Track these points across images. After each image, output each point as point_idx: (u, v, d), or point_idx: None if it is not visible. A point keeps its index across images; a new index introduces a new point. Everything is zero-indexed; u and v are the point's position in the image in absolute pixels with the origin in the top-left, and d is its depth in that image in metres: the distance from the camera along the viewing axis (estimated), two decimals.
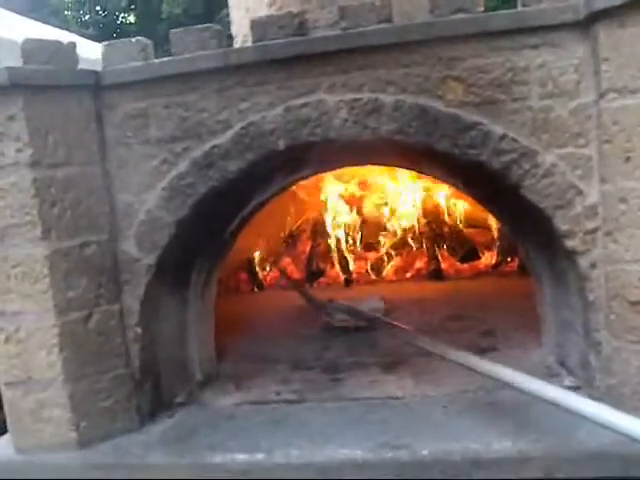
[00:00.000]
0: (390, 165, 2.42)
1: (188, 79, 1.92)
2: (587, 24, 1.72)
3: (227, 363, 2.65)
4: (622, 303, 1.77)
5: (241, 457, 1.84)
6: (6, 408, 2.04)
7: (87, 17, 12.37)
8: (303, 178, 2.30)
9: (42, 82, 1.83)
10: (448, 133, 1.85)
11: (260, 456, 1.83)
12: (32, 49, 1.83)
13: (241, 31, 2.42)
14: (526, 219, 2.02)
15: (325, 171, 2.48)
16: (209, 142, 1.94)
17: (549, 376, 2.12)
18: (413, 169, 2.26)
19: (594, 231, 1.82)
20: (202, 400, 2.29)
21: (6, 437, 2.11)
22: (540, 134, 1.82)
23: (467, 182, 2.16)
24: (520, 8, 1.79)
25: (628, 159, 1.70)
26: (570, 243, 1.84)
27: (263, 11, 2.43)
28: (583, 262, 1.84)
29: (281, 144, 1.91)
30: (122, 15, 12.93)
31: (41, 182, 1.86)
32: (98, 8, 12.58)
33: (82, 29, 11.01)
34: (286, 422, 2.02)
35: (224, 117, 1.93)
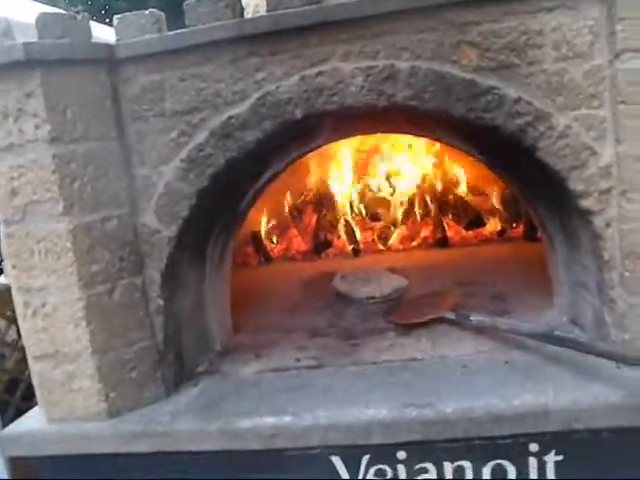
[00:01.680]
0: (404, 132, 2.44)
1: (203, 50, 1.92)
2: None
3: (243, 334, 2.70)
4: (636, 261, 1.83)
5: (269, 420, 1.90)
6: (35, 381, 2.08)
7: None
8: (316, 147, 2.32)
9: (58, 56, 1.82)
10: (463, 98, 1.86)
11: (288, 419, 1.89)
12: (46, 23, 1.83)
13: (252, 1, 2.41)
14: (540, 182, 2.05)
15: (338, 140, 2.50)
16: (226, 112, 1.95)
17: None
18: (427, 136, 2.29)
19: (608, 191, 1.85)
20: (223, 370, 2.34)
21: (35, 409, 2.16)
22: (554, 97, 1.84)
23: (481, 147, 2.18)
24: None
25: None
26: (585, 203, 1.88)
27: None
28: (598, 222, 1.88)
29: (298, 113, 1.92)
30: None
31: (61, 158, 1.87)
32: None
33: (70, 6, 10.83)
34: (310, 387, 2.07)
35: (240, 87, 1.94)
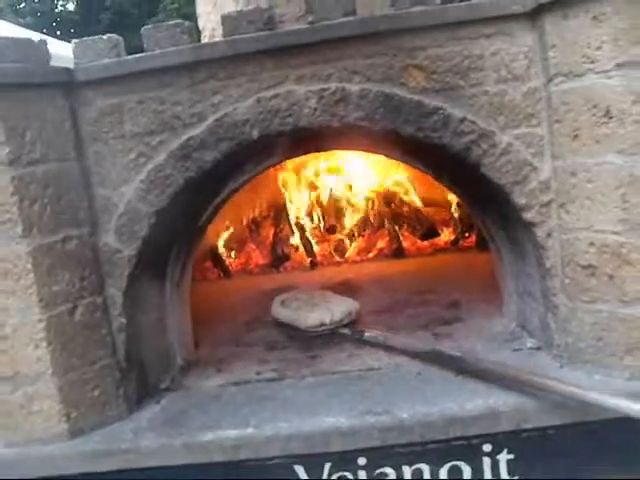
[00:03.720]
0: (357, 149, 2.53)
1: (161, 74, 1.98)
2: (534, 15, 1.87)
3: (204, 349, 2.73)
4: (575, 268, 1.95)
5: (232, 433, 1.94)
6: None
7: (23, 5, 11.93)
8: (273, 165, 2.39)
9: (16, 80, 1.85)
10: (412, 118, 1.97)
11: (250, 430, 1.93)
12: (4, 47, 1.84)
13: (209, 25, 2.47)
14: (486, 196, 2.18)
15: (295, 157, 2.58)
16: (184, 135, 2.01)
17: (512, 340, 2.30)
18: (379, 153, 2.38)
19: (548, 203, 1.98)
20: (186, 385, 2.37)
21: None
22: (496, 116, 1.97)
23: (430, 164, 2.29)
24: (474, 0, 1.92)
25: (576, 137, 1.86)
26: (527, 215, 2.00)
27: (230, 6, 2.49)
28: (540, 232, 2.01)
29: (254, 134, 1.99)
30: (61, 3, 12.52)
31: (20, 180, 1.88)
32: None
33: (18, 18, 10.63)
34: (271, 398, 2.13)
35: (198, 110, 2.00)
